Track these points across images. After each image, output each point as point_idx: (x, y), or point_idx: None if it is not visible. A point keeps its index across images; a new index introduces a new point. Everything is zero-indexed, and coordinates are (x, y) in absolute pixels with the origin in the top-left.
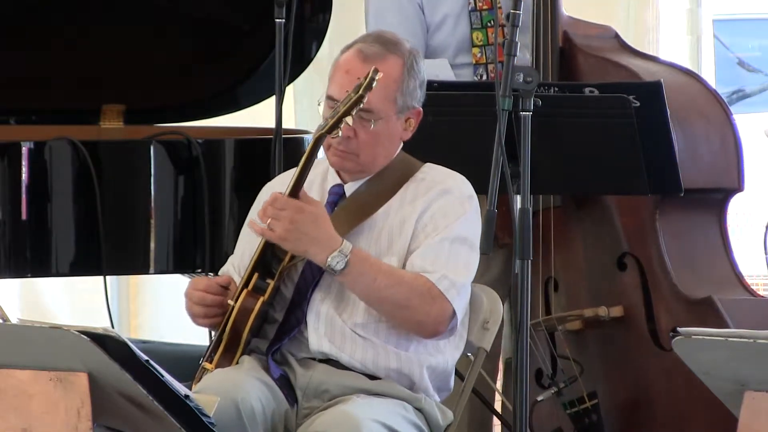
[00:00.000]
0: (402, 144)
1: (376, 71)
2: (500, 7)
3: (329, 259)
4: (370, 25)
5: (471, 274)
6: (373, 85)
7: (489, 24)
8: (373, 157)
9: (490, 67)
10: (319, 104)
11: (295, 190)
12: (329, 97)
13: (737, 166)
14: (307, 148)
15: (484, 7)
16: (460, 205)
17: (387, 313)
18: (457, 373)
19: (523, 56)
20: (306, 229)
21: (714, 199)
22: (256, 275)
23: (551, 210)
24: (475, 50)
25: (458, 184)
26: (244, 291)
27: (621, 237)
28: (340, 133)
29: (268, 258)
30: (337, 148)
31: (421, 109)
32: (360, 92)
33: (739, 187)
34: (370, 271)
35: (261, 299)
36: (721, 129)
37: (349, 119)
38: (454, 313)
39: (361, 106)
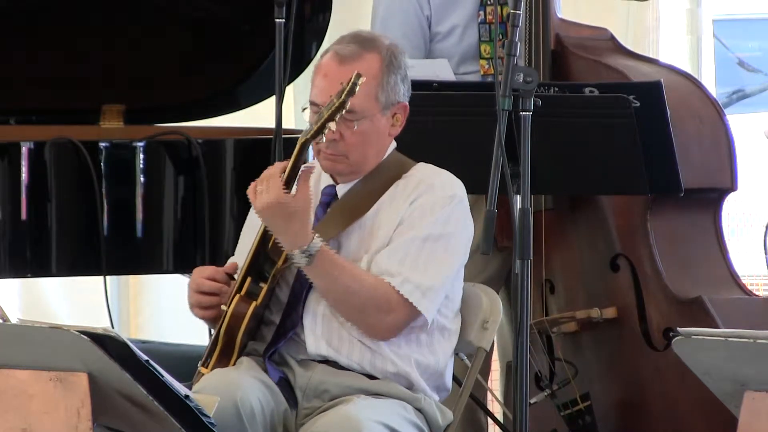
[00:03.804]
0: (394, 142)
1: (358, 76)
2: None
3: (293, 254)
4: (376, 32)
5: (444, 272)
6: (356, 90)
7: (498, 37)
8: (363, 156)
9: (499, 77)
10: (303, 110)
11: (286, 186)
12: (312, 103)
13: (730, 166)
14: (293, 155)
15: (494, 20)
16: (440, 202)
17: (342, 313)
18: (455, 379)
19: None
20: (277, 220)
21: (707, 198)
22: (249, 280)
23: (543, 212)
24: (483, 62)
25: (443, 182)
26: (237, 296)
27: (614, 238)
28: (324, 138)
29: (261, 261)
30: (326, 152)
31: (408, 103)
32: (342, 98)
33: (732, 187)
34: (332, 272)
35: (254, 304)
36: (714, 129)
37: (332, 125)
38: (419, 315)
39: (344, 112)
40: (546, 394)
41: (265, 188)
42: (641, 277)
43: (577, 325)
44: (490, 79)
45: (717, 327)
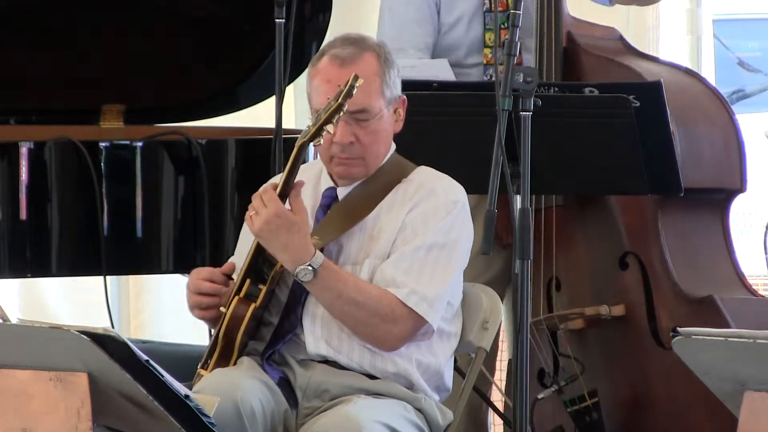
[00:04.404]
0: (394, 144)
1: (356, 78)
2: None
3: (296, 270)
4: (384, 21)
5: (449, 280)
6: (353, 92)
7: (502, 26)
8: (377, 155)
9: (501, 68)
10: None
11: (283, 194)
12: (317, 111)
13: (740, 167)
14: (291, 157)
15: (499, 8)
16: (443, 208)
17: (349, 327)
18: (459, 370)
19: (527, 59)
20: (278, 235)
21: (716, 199)
22: (248, 281)
23: (553, 209)
24: (487, 51)
25: (445, 188)
26: (236, 298)
27: (623, 236)
28: (321, 141)
29: (260, 263)
30: (341, 157)
31: (404, 96)
32: (340, 100)
33: (741, 188)
34: (336, 286)
35: (253, 305)
36: (724, 130)
37: (329, 127)
38: (425, 323)
39: (341, 114)
40: (553, 389)
41: (262, 204)
42: (651, 275)
43: (584, 322)
44: (492, 69)
45: (728, 327)
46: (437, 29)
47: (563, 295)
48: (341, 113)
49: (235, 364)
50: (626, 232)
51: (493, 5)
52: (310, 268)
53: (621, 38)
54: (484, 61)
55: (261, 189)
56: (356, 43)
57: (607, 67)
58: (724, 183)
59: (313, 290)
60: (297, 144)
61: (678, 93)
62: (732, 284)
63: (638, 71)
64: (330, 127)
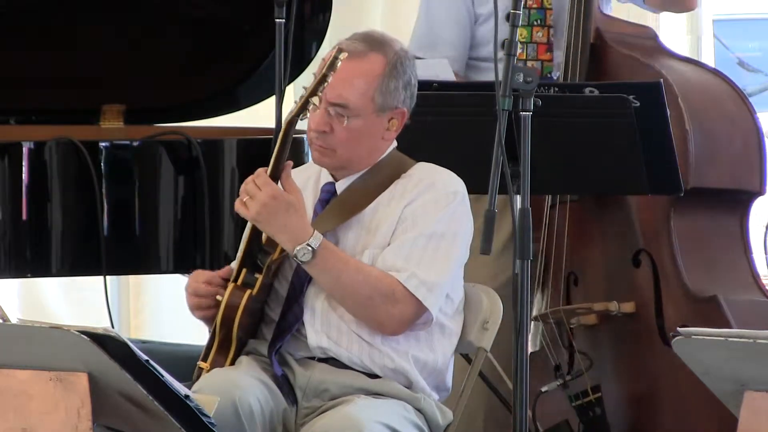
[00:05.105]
0: (395, 143)
1: (339, 51)
2: (550, 8)
3: (295, 250)
4: (420, 18)
5: (449, 270)
6: (337, 64)
7: (535, 23)
8: (352, 154)
9: (530, 64)
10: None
11: (274, 174)
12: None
13: (760, 169)
14: (280, 135)
15: (534, 6)
16: (443, 199)
17: (349, 308)
18: (466, 357)
19: (558, 56)
20: (277, 216)
21: (734, 200)
22: (244, 270)
23: (567, 204)
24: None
25: (444, 180)
26: (232, 285)
27: (637, 233)
28: (308, 114)
29: (255, 251)
30: (316, 143)
31: (406, 110)
32: (324, 71)
33: (761, 191)
34: (336, 266)
35: (249, 293)
36: (746, 132)
37: (315, 99)
38: (424, 311)
39: (326, 84)
40: (558, 383)
41: (256, 188)
42: (661, 274)
43: (597, 318)
44: (521, 64)
45: (729, 327)
46: (473, 19)
47: (580, 291)
48: (325, 84)
49: (234, 354)
50: (641, 229)
51: (529, 1)
52: (309, 248)
53: (654, 37)
54: None
55: (254, 174)
56: (370, 42)
57: (631, 65)
58: (742, 184)
59: (314, 271)
60: (285, 120)
61: (700, 93)
62: (746, 286)
63: (661, 71)
64: (316, 100)
